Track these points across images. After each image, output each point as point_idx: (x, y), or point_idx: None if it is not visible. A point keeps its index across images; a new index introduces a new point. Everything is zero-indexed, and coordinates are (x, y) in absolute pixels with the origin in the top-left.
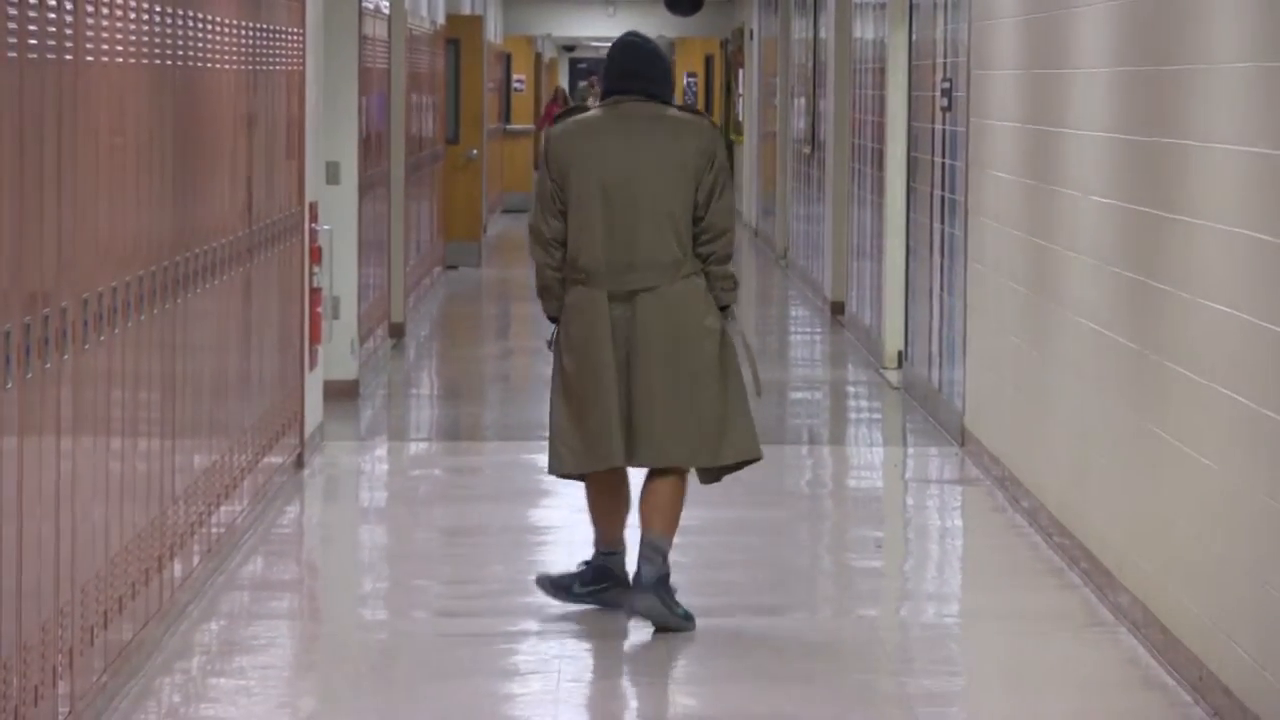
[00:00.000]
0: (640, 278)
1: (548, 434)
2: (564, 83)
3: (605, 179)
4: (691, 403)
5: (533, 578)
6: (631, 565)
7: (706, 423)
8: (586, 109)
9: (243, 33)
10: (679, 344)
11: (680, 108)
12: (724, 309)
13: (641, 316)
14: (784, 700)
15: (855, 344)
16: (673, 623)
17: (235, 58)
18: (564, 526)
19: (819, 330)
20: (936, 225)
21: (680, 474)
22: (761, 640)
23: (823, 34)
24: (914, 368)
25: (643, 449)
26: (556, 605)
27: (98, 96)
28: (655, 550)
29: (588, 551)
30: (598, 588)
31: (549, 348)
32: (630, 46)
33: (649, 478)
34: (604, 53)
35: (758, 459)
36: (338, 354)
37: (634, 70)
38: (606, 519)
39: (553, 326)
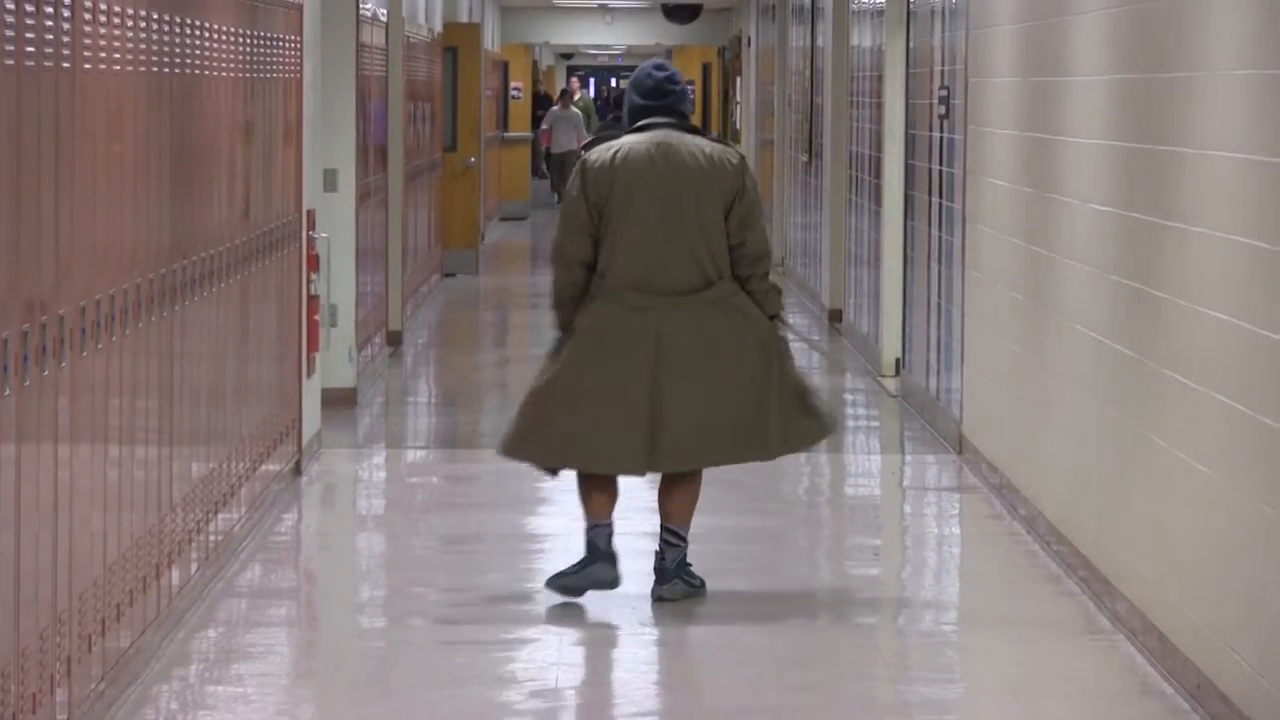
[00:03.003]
0: (668, 297)
1: (518, 417)
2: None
3: (646, 205)
4: (722, 408)
5: (542, 585)
6: (619, 542)
7: (744, 423)
8: (617, 135)
9: (240, 40)
10: (708, 354)
11: (710, 138)
12: (773, 317)
13: (669, 329)
14: (782, 708)
15: (853, 352)
16: (695, 594)
17: (233, 65)
18: (561, 534)
19: (817, 338)
20: (934, 233)
21: (698, 471)
22: (760, 648)
23: (820, 42)
24: (912, 375)
25: (667, 455)
26: (554, 611)
27: (95, 104)
28: (678, 537)
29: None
30: (582, 566)
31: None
32: (653, 78)
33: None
34: (601, 60)
35: (820, 439)
36: (335, 362)
37: (663, 91)
38: (599, 502)
39: (556, 338)
